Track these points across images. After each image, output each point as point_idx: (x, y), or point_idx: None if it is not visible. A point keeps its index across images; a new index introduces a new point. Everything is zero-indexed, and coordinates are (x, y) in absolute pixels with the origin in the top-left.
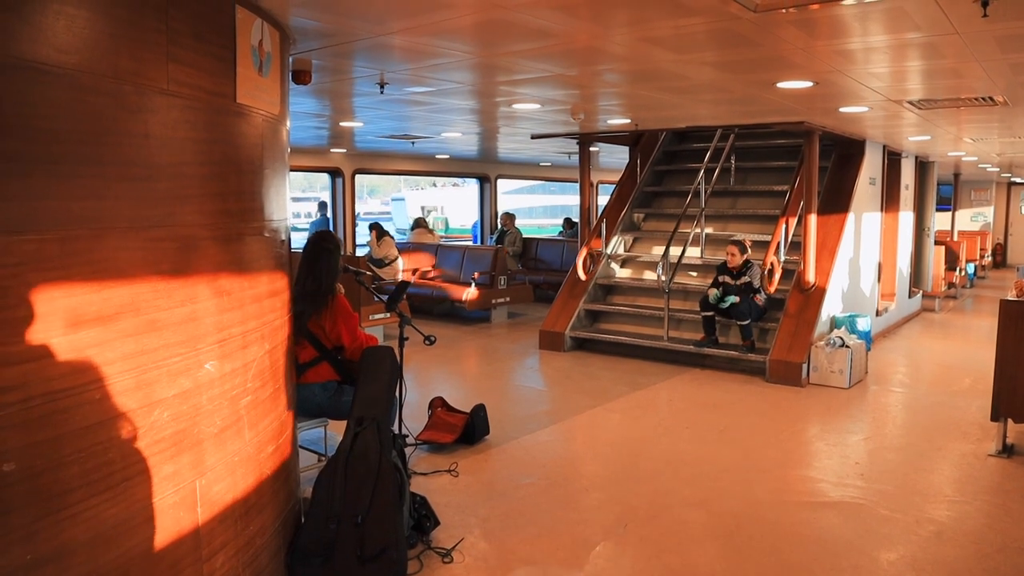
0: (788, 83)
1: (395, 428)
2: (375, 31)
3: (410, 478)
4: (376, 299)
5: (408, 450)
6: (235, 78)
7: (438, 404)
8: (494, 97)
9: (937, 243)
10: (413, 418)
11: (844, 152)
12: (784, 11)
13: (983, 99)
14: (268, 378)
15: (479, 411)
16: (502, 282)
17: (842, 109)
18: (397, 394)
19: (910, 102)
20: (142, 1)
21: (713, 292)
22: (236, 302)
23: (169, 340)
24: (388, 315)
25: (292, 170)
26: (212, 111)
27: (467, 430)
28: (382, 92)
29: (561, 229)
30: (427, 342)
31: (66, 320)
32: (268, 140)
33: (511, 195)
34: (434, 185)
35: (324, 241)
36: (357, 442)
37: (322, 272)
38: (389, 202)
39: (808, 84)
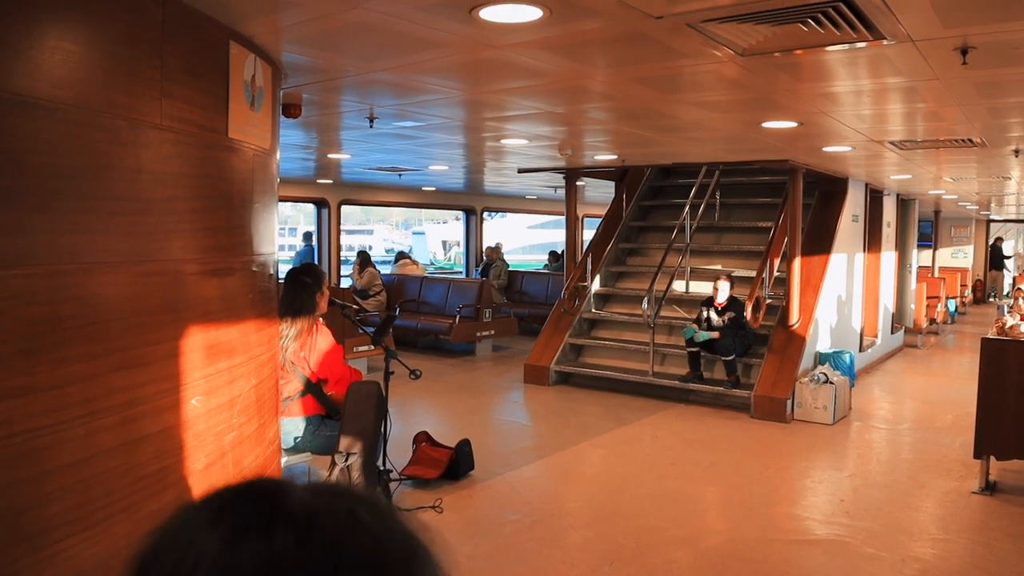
0: (773, 123)
1: (379, 463)
2: (365, 68)
3: None
4: (361, 331)
5: (392, 485)
6: (227, 113)
7: (422, 439)
8: (482, 132)
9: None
10: (397, 452)
11: (827, 190)
12: (770, 55)
13: (962, 141)
14: (254, 413)
15: (464, 446)
16: (487, 315)
17: (825, 148)
18: (382, 430)
19: (892, 143)
20: (138, 37)
21: (693, 329)
22: (223, 336)
23: (156, 375)
24: (373, 348)
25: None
26: (204, 146)
27: (452, 465)
28: (371, 126)
29: (546, 262)
30: (412, 376)
31: (52, 355)
32: (258, 174)
33: (535, 229)
34: (456, 219)
35: (302, 274)
36: (341, 479)
37: (300, 305)
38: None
39: (793, 124)
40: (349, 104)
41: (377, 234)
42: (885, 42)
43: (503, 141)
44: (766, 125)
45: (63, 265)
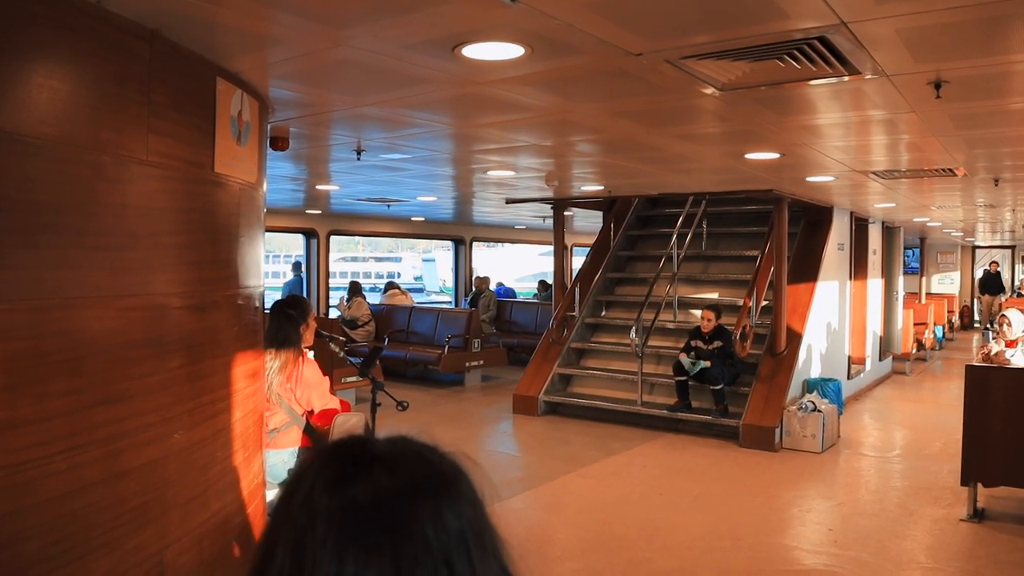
0: (756, 154)
1: None
2: (352, 103)
3: None
4: (348, 363)
5: None
6: (214, 148)
7: None
8: (469, 164)
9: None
10: None
11: (813, 218)
12: (750, 90)
13: (943, 171)
14: (238, 446)
15: None
16: (476, 345)
17: (809, 178)
18: None
19: (874, 173)
20: (124, 75)
21: (686, 359)
22: (208, 370)
23: (139, 409)
24: (361, 379)
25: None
26: (190, 180)
27: None
28: (359, 158)
29: (535, 292)
30: (399, 408)
31: (34, 390)
32: (244, 207)
33: (546, 257)
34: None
35: (287, 307)
36: None
37: (285, 337)
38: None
39: (775, 155)
40: (336, 137)
41: (405, 261)
42: (860, 77)
43: (490, 173)
44: (749, 156)
45: (46, 300)
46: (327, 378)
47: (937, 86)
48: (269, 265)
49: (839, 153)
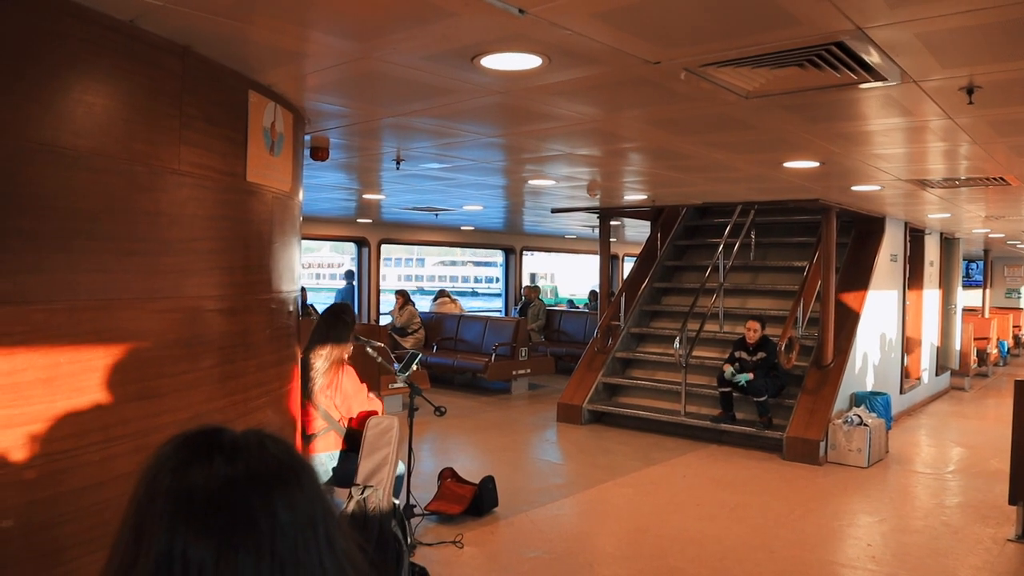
0: (794, 163)
1: (403, 497)
2: (383, 113)
3: (415, 548)
4: (388, 368)
5: (415, 520)
6: (246, 158)
7: (447, 475)
8: (508, 173)
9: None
10: (424, 488)
11: (864, 229)
12: (776, 97)
13: (994, 180)
14: None
15: (488, 483)
16: (523, 353)
17: (854, 188)
18: (406, 464)
19: (920, 182)
20: (157, 89)
21: (729, 369)
22: (240, 371)
23: (171, 406)
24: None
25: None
26: (222, 189)
27: (475, 501)
28: (398, 168)
29: (567, 298)
30: (437, 413)
31: (70, 385)
32: (278, 216)
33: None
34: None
35: (344, 314)
36: (356, 512)
37: (336, 343)
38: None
39: (814, 164)
40: (375, 147)
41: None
42: (885, 83)
43: (530, 182)
44: (788, 165)
45: (81, 301)
46: (364, 384)
47: (969, 92)
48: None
49: (880, 162)
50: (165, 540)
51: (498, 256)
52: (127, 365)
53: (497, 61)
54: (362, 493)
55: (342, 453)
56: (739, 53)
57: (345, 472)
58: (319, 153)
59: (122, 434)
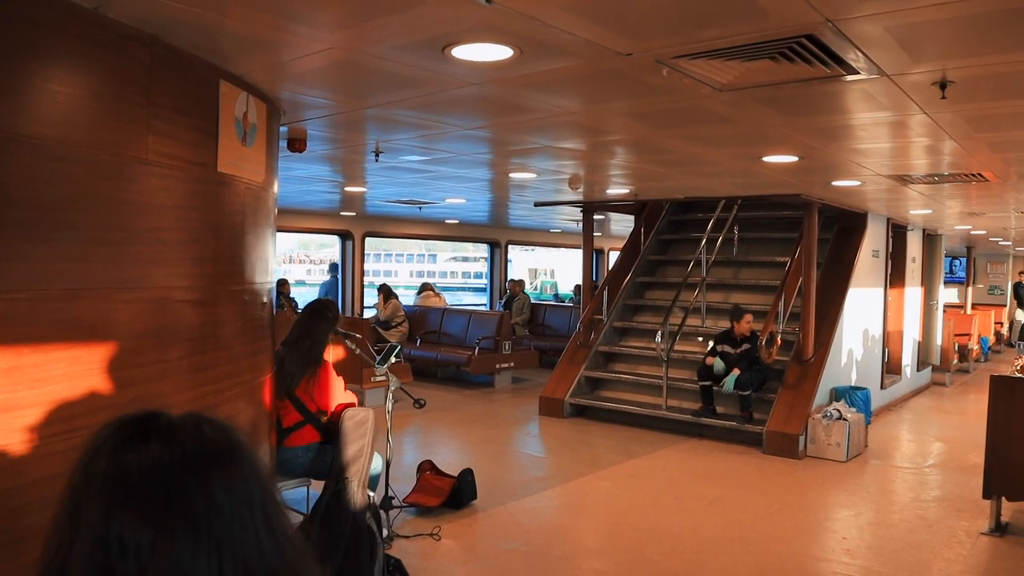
0: (773, 157)
1: (381, 490)
2: (357, 104)
3: (392, 540)
4: (368, 361)
5: (393, 512)
6: (217, 148)
7: (427, 467)
8: (488, 166)
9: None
10: (404, 480)
11: (846, 224)
12: (751, 90)
13: (973, 176)
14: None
15: (466, 475)
16: (506, 347)
17: (835, 183)
18: (384, 456)
19: (901, 177)
20: (124, 77)
21: (718, 363)
22: (210, 362)
23: (138, 396)
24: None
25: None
26: (192, 179)
27: (454, 494)
28: (377, 160)
29: (571, 295)
30: (417, 405)
31: (33, 375)
32: (250, 207)
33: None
34: (547, 248)
35: (327, 309)
36: (331, 505)
37: (314, 339)
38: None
39: (793, 159)
40: (353, 139)
41: (516, 261)
42: (858, 77)
43: (513, 176)
44: (767, 159)
45: (46, 290)
46: (341, 378)
47: (942, 87)
48: (381, 264)
49: (860, 157)
50: (101, 524)
51: (511, 252)
52: (93, 356)
53: (468, 52)
54: (336, 485)
55: (318, 445)
56: (710, 45)
57: (321, 464)
58: (296, 144)
59: (87, 424)
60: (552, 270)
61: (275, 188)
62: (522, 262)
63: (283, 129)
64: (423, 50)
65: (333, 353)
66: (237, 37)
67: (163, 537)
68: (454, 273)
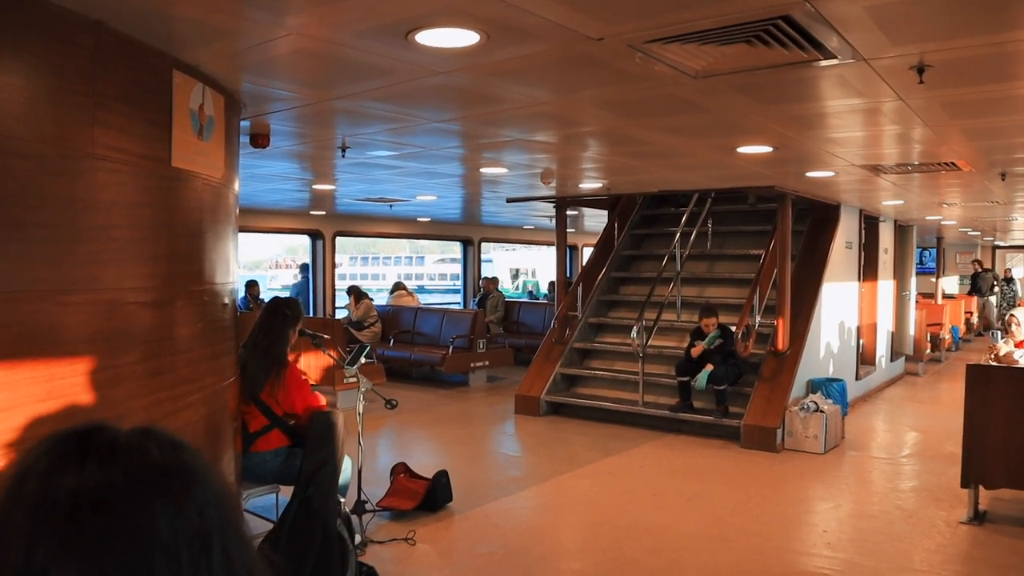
0: (748, 148)
1: (354, 494)
2: (323, 96)
3: (365, 547)
4: (337, 362)
5: (367, 517)
6: (170, 142)
7: (400, 470)
8: (457, 161)
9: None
10: (377, 484)
11: (819, 216)
12: (726, 76)
13: (946, 165)
14: (203, 445)
15: (441, 477)
16: (481, 345)
17: (809, 174)
18: (355, 460)
19: (875, 167)
20: (66, 66)
21: (703, 379)
22: (167, 366)
23: (87, 405)
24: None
25: (273, 232)
26: (143, 175)
27: (428, 497)
28: (343, 155)
29: (546, 292)
30: (388, 406)
31: None
32: (209, 204)
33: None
34: (528, 247)
35: (285, 307)
36: (301, 511)
37: (273, 337)
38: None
39: (768, 149)
40: (317, 134)
41: (498, 261)
42: (835, 61)
43: (484, 170)
44: (742, 150)
45: None
46: (307, 379)
47: (920, 71)
48: (368, 268)
49: (834, 146)
50: (23, 557)
51: (493, 252)
52: (36, 363)
53: (432, 37)
54: (305, 492)
55: (287, 449)
56: (683, 28)
57: (290, 469)
58: (259, 140)
59: (28, 439)
60: (534, 269)
61: (236, 185)
62: (504, 262)
63: (245, 124)
64: (386, 36)
65: (305, 356)
66: (190, 23)
67: (94, 570)
68: (443, 275)
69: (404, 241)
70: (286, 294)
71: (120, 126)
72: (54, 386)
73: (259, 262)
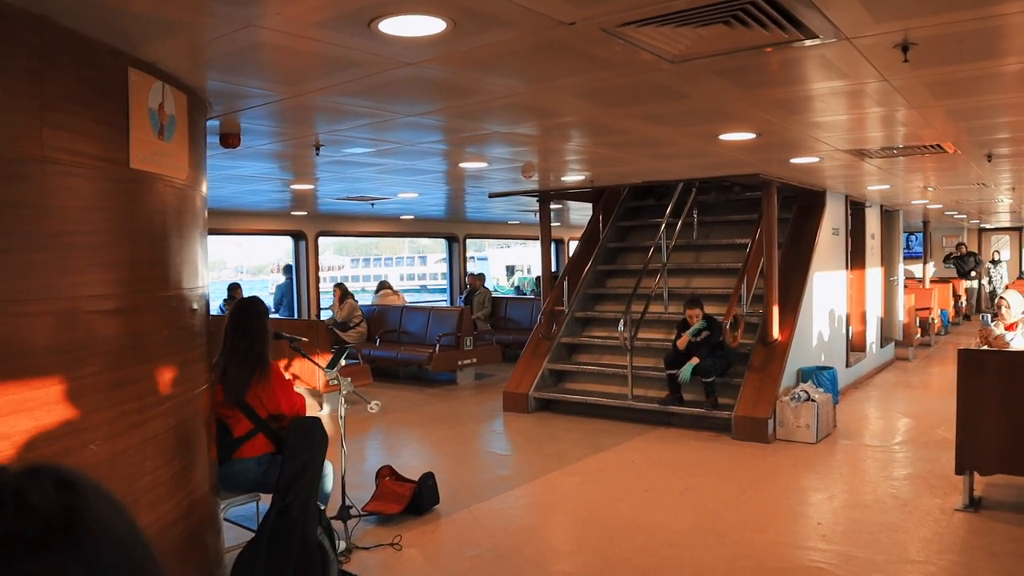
0: (731, 135)
1: (338, 499)
2: (290, 91)
3: (351, 553)
4: (316, 365)
5: (352, 523)
6: (128, 143)
7: (385, 473)
8: (435, 156)
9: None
10: (363, 488)
11: (805, 203)
12: (704, 60)
13: (932, 147)
14: (174, 455)
15: (427, 479)
16: (468, 343)
17: (793, 160)
18: (337, 465)
19: (859, 151)
20: (8, 65)
21: (687, 371)
22: (132, 376)
23: (44, 421)
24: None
25: (255, 234)
26: (100, 178)
27: (415, 499)
28: (318, 153)
29: (533, 287)
30: (371, 408)
31: None
32: (173, 206)
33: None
34: (523, 243)
35: (255, 305)
36: (280, 520)
37: (254, 337)
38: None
39: (751, 136)
40: (289, 132)
41: (493, 259)
42: (817, 41)
43: (463, 165)
44: (724, 137)
45: None
46: (289, 378)
47: (904, 49)
48: (371, 269)
49: (818, 131)
50: None
51: (488, 249)
52: None
53: (397, 25)
54: (284, 500)
55: (270, 457)
56: (657, 10)
57: (271, 477)
58: (230, 140)
59: None
60: (529, 267)
61: (204, 187)
62: (500, 259)
63: (214, 123)
64: (348, 26)
65: (284, 361)
66: (143, 18)
67: None
68: (445, 275)
69: (404, 241)
70: (265, 295)
71: (72, 127)
72: (7, 401)
73: (262, 267)
